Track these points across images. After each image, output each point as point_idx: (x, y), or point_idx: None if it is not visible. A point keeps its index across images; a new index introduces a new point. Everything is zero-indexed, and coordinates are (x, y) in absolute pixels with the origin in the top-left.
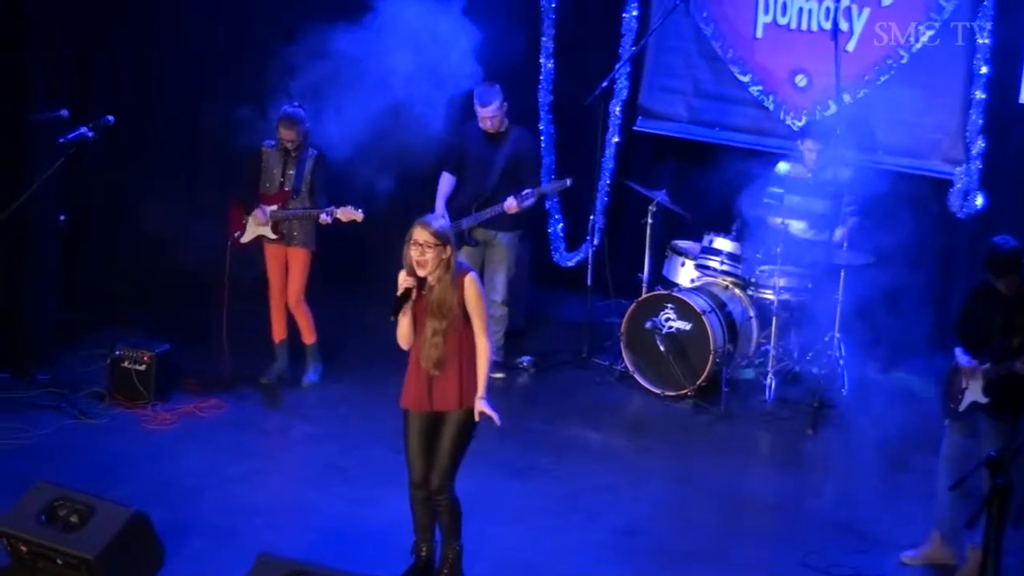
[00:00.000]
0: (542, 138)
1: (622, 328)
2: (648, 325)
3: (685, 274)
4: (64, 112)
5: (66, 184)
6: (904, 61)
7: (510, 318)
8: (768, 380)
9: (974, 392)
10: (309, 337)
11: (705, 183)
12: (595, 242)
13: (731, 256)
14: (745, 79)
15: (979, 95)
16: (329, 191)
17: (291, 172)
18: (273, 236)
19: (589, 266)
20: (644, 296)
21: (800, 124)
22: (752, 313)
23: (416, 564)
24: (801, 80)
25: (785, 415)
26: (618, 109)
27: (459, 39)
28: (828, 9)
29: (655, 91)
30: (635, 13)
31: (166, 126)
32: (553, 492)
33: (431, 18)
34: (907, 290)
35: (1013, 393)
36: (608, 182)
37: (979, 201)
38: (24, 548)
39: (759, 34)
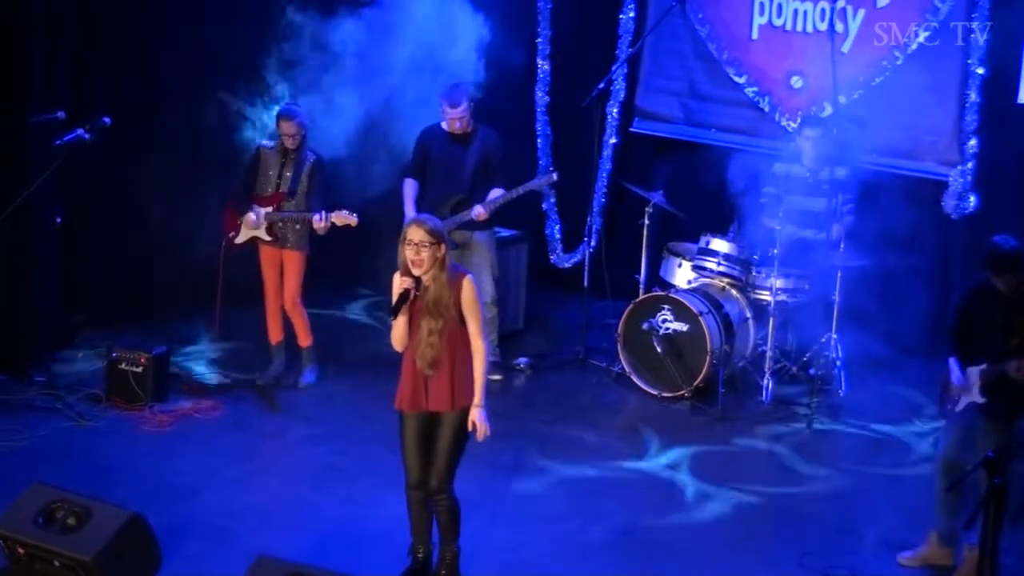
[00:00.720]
0: (539, 140)
1: (619, 329)
2: (645, 326)
3: (682, 275)
4: (61, 114)
5: (63, 186)
6: (899, 62)
7: (504, 318)
8: (765, 381)
9: (971, 393)
10: (305, 339)
11: (702, 184)
12: (592, 243)
13: (728, 257)
14: (741, 80)
15: (973, 96)
16: (326, 196)
17: (288, 174)
18: (267, 238)
19: (586, 267)
20: (641, 297)
21: (795, 125)
22: (749, 314)
23: (413, 565)
24: (796, 81)
25: (782, 416)
26: (615, 110)
27: (458, 41)
28: (823, 10)
29: (652, 92)
30: (632, 15)
31: (165, 127)
32: (550, 493)
33: (431, 19)
34: (903, 291)
35: (1010, 393)
36: (605, 183)
37: (971, 202)
38: (21, 550)
39: (754, 35)
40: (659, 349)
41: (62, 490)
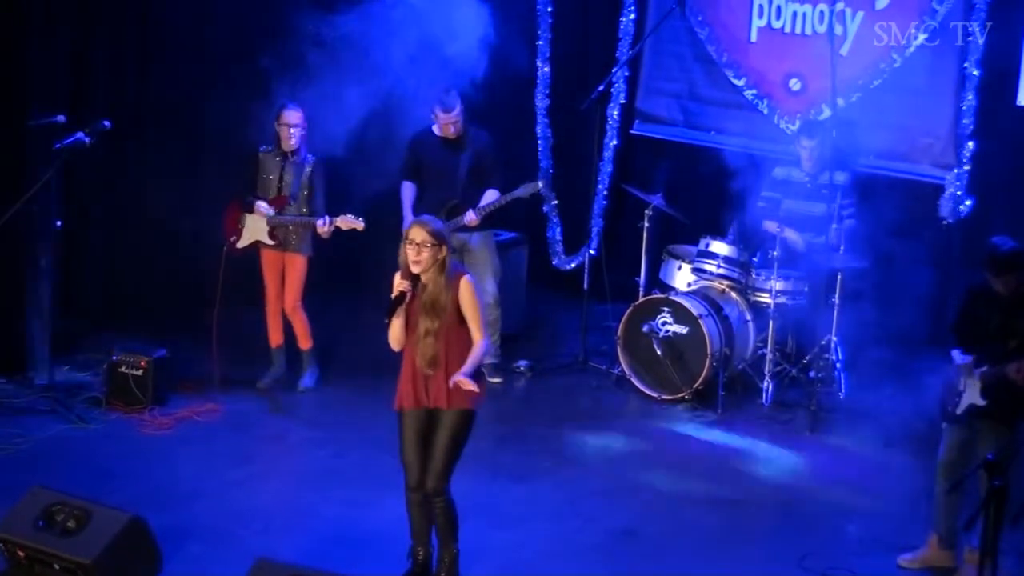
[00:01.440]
0: (539, 142)
1: (619, 332)
2: (645, 329)
3: (682, 278)
4: (61, 118)
5: (63, 189)
6: (897, 65)
7: (505, 321)
8: (765, 384)
9: (971, 395)
10: (305, 342)
11: (701, 187)
12: (592, 246)
13: (727, 259)
14: (740, 83)
15: (970, 99)
16: (327, 198)
17: (288, 178)
18: (270, 241)
19: (586, 270)
20: (641, 300)
21: (794, 128)
22: (749, 316)
23: (413, 568)
24: (795, 84)
25: (782, 418)
26: (615, 113)
27: (458, 44)
28: (822, 13)
29: (652, 95)
30: (632, 17)
31: (166, 130)
32: (550, 495)
33: (432, 21)
34: (902, 293)
35: (1010, 395)
36: (605, 186)
37: (966, 205)
38: (22, 553)
39: (753, 38)
40: (659, 352)
41: (62, 493)
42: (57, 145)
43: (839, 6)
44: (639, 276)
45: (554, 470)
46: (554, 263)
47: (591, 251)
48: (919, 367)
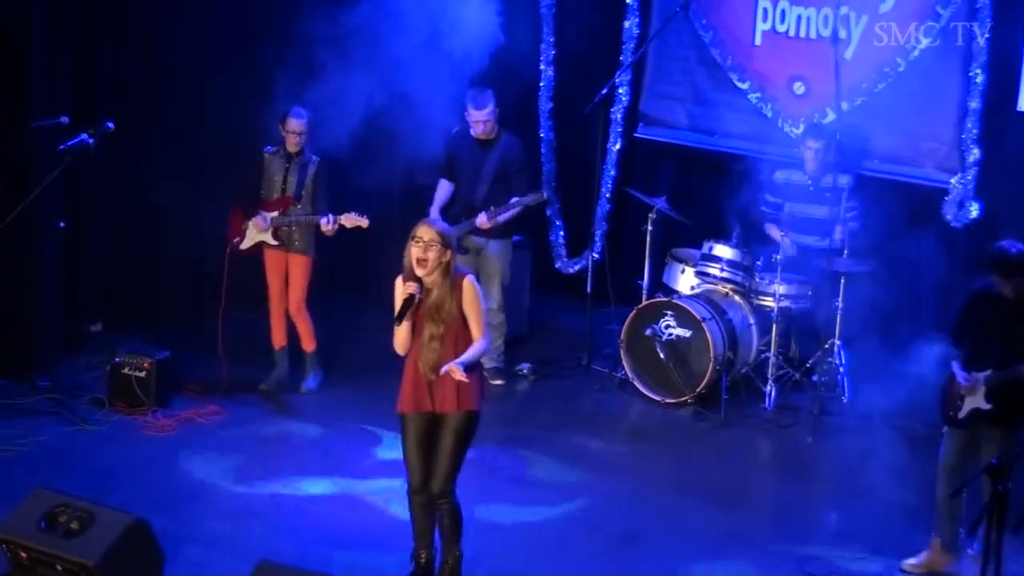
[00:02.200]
0: (542, 145)
1: (622, 335)
2: (648, 332)
3: (685, 281)
4: (64, 119)
5: (67, 191)
6: (901, 69)
7: (508, 324)
8: (768, 387)
9: (975, 399)
10: (309, 344)
11: (705, 190)
12: (596, 249)
13: (731, 263)
14: (744, 86)
15: (974, 104)
16: (331, 198)
17: (292, 178)
18: (273, 242)
19: (589, 273)
20: (644, 303)
21: (798, 132)
22: (752, 320)
23: (416, 571)
24: (799, 87)
25: (785, 422)
26: (619, 116)
27: (462, 46)
28: (826, 17)
29: (655, 98)
30: (636, 20)
31: (169, 131)
32: (553, 499)
33: (435, 23)
34: (905, 297)
35: (1016, 399)
36: (609, 189)
37: (974, 210)
38: (24, 555)
39: (758, 41)
40: (662, 355)
41: (65, 495)
42: (61, 147)
43: (843, 10)
44: (642, 279)
45: (556, 474)
46: (557, 266)
47: (594, 254)
48: (921, 369)
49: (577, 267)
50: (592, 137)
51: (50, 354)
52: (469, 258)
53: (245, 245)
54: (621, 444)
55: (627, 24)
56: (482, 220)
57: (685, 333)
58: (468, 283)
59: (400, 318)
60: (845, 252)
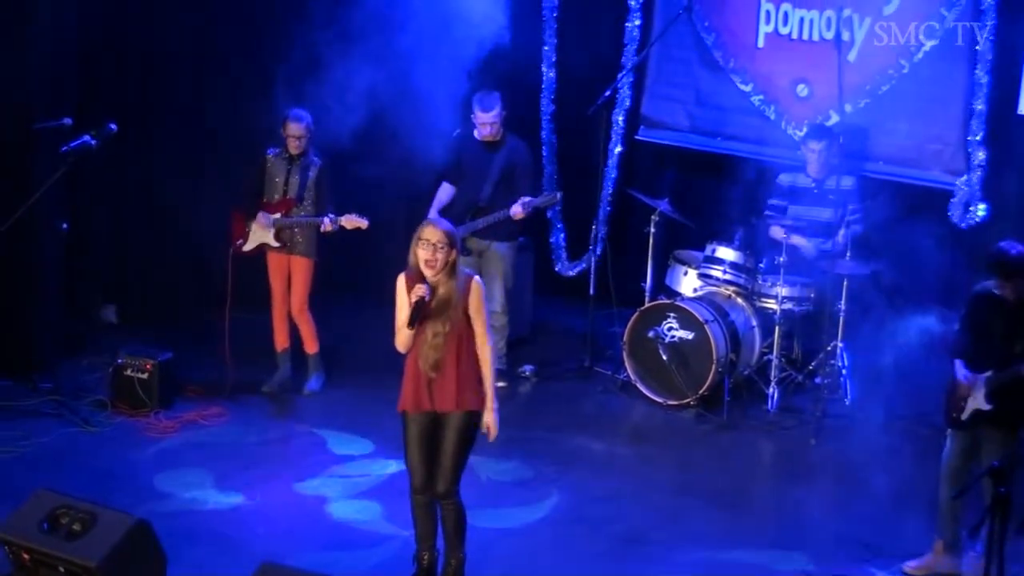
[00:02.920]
0: (544, 148)
1: (625, 337)
2: (651, 334)
3: (688, 283)
4: (67, 120)
5: (69, 192)
6: (905, 71)
7: (509, 326)
8: (770, 389)
9: (977, 400)
10: (312, 346)
11: (708, 192)
12: (598, 251)
13: (734, 265)
14: (747, 88)
15: (979, 106)
16: (333, 200)
17: (294, 180)
18: (276, 244)
19: (591, 275)
20: (647, 305)
21: (801, 134)
22: (755, 322)
23: (418, 572)
24: (802, 90)
25: (788, 424)
26: (620, 118)
27: (463, 48)
28: (829, 19)
29: (657, 100)
30: (637, 22)
31: (172, 132)
32: (556, 501)
33: (436, 25)
34: (909, 299)
35: (1016, 400)
36: (611, 191)
37: (981, 212)
38: (26, 556)
39: (760, 44)
40: (664, 357)
41: (67, 496)
42: (64, 148)
43: (846, 12)
44: (645, 281)
45: (559, 476)
46: (557, 268)
47: (596, 256)
48: (924, 371)
49: (577, 270)
50: (594, 139)
51: (52, 355)
52: (472, 259)
53: (248, 247)
54: (623, 446)
55: (629, 27)
56: (516, 210)
57: (688, 335)
58: (476, 285)
59: (412, 322)
60: (848, 254)
